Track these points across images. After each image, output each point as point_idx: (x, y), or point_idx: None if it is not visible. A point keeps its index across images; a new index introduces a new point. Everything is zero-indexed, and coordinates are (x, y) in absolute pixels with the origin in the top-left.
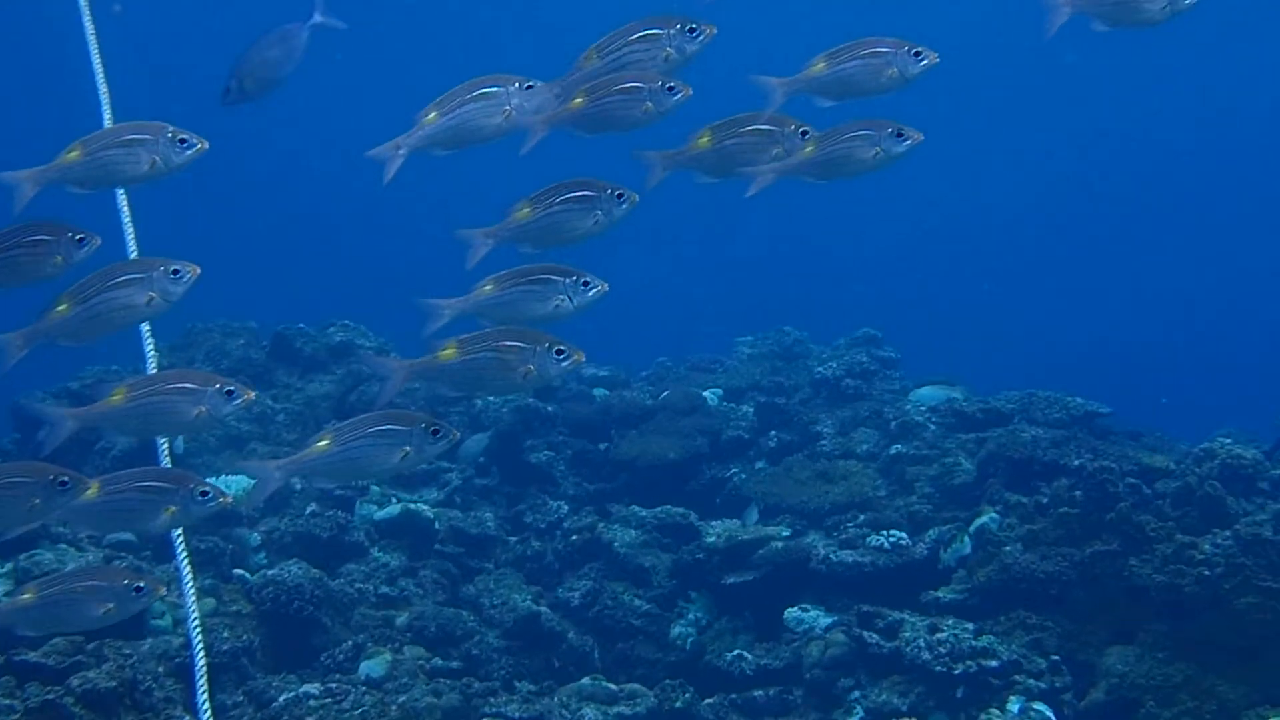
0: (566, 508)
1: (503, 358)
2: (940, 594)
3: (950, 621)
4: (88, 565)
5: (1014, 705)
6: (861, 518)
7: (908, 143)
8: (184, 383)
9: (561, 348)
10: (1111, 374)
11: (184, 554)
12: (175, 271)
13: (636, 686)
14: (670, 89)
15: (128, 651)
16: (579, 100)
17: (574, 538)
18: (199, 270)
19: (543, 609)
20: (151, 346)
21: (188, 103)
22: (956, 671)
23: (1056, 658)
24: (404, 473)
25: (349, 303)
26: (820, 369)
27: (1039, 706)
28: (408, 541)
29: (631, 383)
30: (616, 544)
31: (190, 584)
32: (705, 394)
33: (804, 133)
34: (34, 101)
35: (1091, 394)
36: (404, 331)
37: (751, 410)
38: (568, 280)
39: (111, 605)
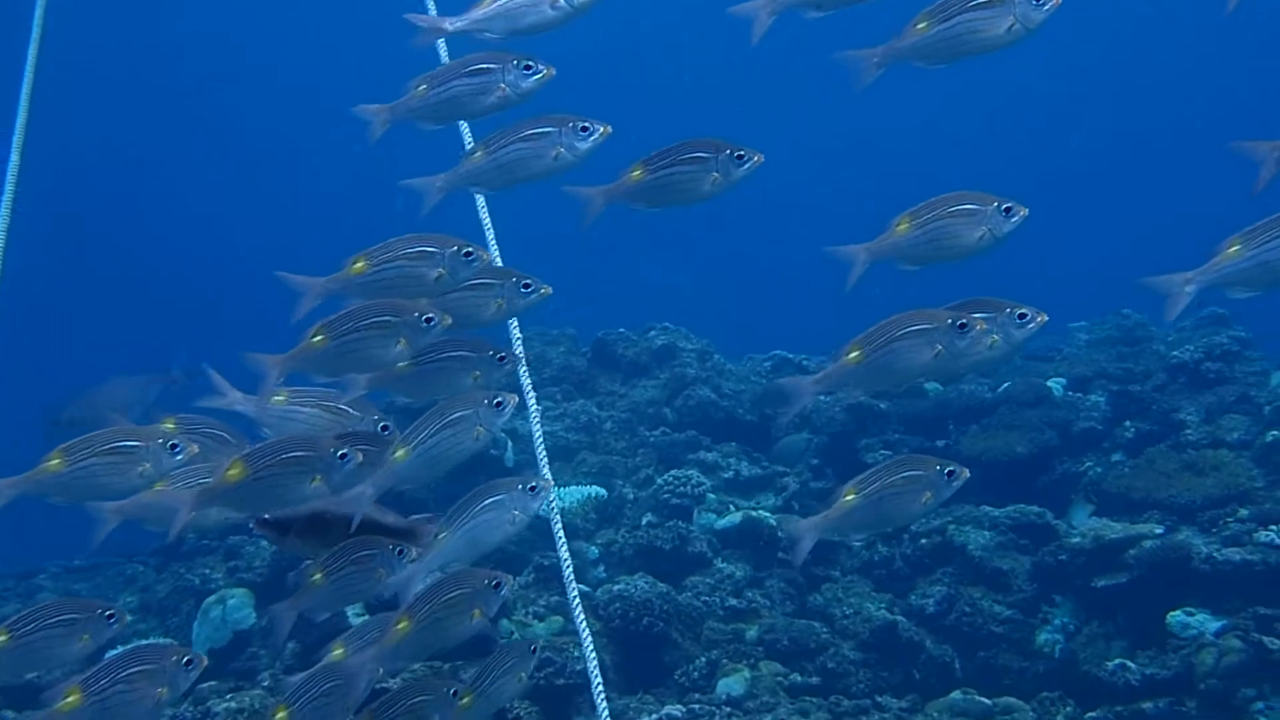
0: None
1: None
2: None
3: None
4: None
5: None
6: (1243, 511)
7: None
8: None
9: None
10: None
11: (572, 582)
12: (585, 129)
13: (1011, 700)
14: None
15: None
16: None
17: (923, 541)
18: (609, 130)
19: (899, 618)
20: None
21: None
22: None
23: None
24: None
25: (665, 305)
26: (1176, 353)
27: None
28: (750, 551)
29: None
30: (970, 547)
31: (580, 609)
32: (1049, 384)
33: None
34: None
35: None
36: (720, 332)
37: (1103, 400)
38: None
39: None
